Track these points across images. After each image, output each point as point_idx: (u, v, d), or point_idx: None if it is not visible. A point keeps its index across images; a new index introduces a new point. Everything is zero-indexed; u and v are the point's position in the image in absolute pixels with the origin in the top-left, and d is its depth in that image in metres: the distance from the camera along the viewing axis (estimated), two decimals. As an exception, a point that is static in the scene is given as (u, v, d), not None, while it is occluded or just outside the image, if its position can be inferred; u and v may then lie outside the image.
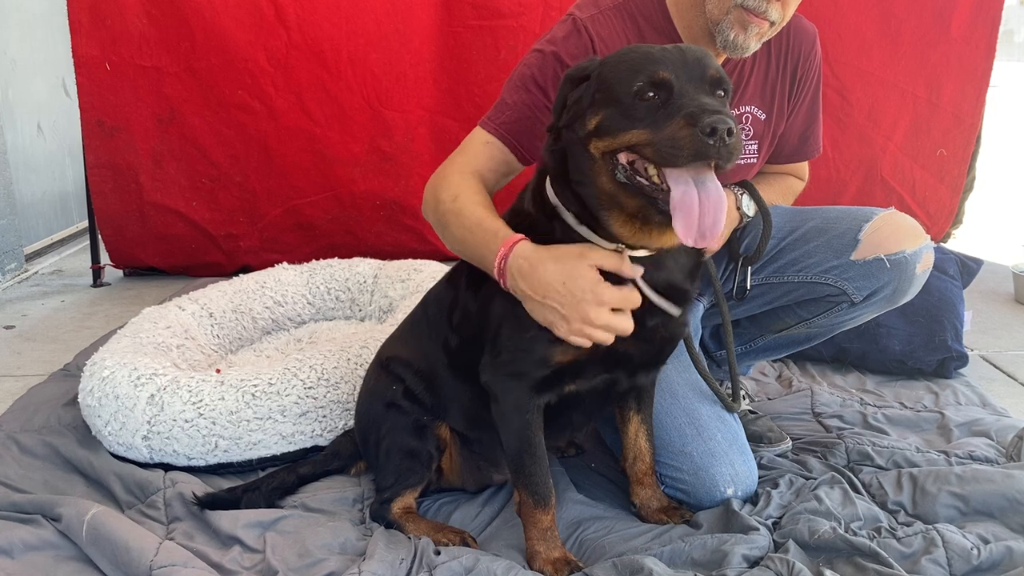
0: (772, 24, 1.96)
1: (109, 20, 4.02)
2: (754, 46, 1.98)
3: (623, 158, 1.59)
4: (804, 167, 2.44)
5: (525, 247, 1.72)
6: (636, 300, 1.69)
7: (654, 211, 1.60)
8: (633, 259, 1.69)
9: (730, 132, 1.44)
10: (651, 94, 1.54)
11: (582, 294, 1.65)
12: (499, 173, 2.02)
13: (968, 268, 3.16)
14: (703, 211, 1.52)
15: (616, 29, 2.05)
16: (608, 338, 1.69)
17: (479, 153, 2.01)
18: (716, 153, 1.46)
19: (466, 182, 1.94)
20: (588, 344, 1.69)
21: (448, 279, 2.06)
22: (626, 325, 1.69)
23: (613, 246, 1.68)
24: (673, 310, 1.77)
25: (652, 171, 1.57)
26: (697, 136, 1.45)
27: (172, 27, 4.07)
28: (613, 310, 1.67)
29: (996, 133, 5.39)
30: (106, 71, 4.07)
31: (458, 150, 2.05)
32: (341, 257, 3.63)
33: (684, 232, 1.52)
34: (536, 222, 1.78)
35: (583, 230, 1.71)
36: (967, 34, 4.54)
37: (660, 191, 1.56)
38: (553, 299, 1.67)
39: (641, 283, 1.71)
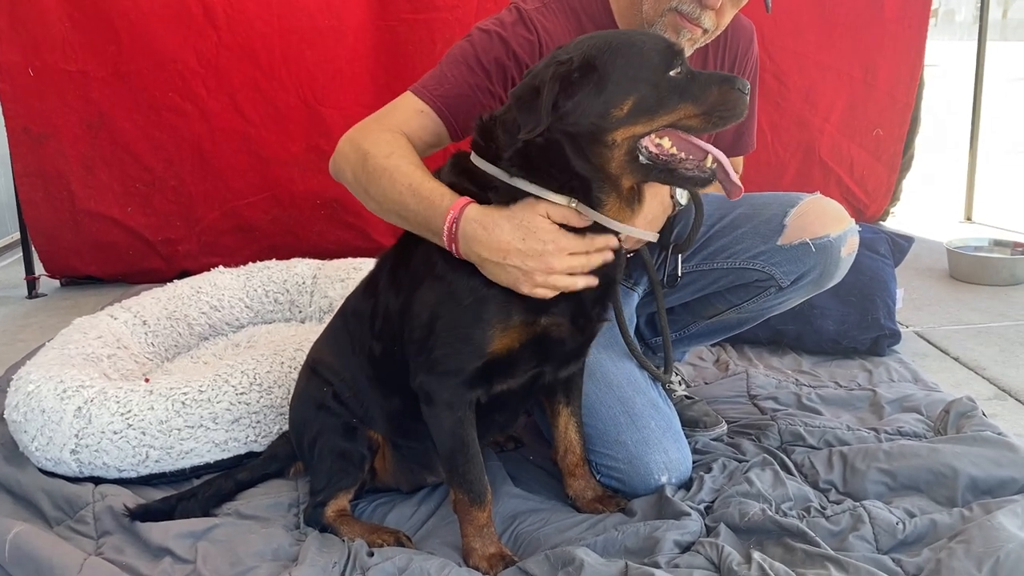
0: (705, 32, 1.97)
1: (30, 24, 3.92)
2: (687, 50, 1.98)
3: (646, 140, 1.63)
4: (739, 162, 2.45)
5: (474, 210, 1.69)
6: (598, 244, 1.71)
7: (674, 180, 1.68)
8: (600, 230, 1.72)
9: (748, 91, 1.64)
10: (679, 70, 1.64)
11: (542, 245, 1.65)
12: (426, 144, 1.98)
13: (899, 246, 3.21)
14: (732, 170, 1.69)
15: (560, 23, 2.05)
16: (573, 283, 1.70)
17: (411, 119, 1.95)
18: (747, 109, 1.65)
19: (399, 141, 1.89)
20: (551, 295, 1.69)
21: (365, 288, 2.03)
22: (588, 265, 1.71)
23: (562, 198, 1.68)
24: (651, 236, 1.89)
25: (668, 144, 1.65)
26: (741, 96, 1.63)
27: (97, 30, 3.98)
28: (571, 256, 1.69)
29: (936, 111, 5.48)
30: (29, 77, 3.96)
31: (385, 111, 1.99)
32: (281, 258, 3.59)
33: (731, 189, 1.70)
34: (467, 192, 1.74)
35: (531, 187, 1.68)
36: (900, 15, 4.63)
37: (681, 160, 1.66)
38: (513, 257, 1.65)
39: (611, 222, 1.71)
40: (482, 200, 1.72)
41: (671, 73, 1.63)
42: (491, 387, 1.80)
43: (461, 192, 1.74)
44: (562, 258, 1.67)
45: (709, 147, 1.68)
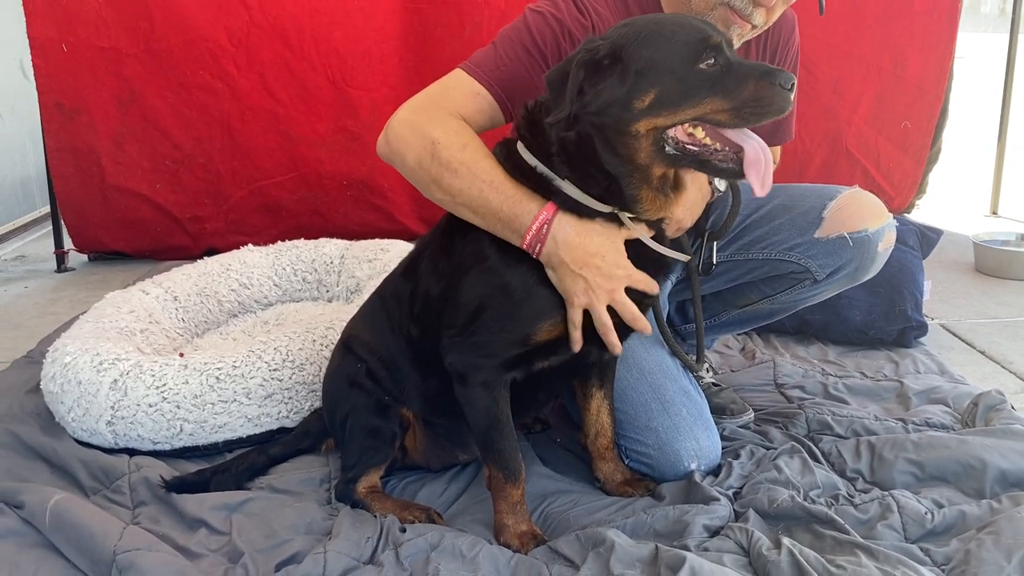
0: (754, 28, 1.95)
1: (64, 1, 3.95)
2: (735, 44, 1.97)
3: (672, 131, 1.62)
4: (776, 151, 2.44)
5: (570, 216, 1.72)
6: (655, 287, 1.78)
7: (707, 170, 1.67)
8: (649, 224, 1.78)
9: (794, 86, 1.57)
10: (712, 61, 1.59)
11: (619, 270, 1.71)
12: (480, 127, 1.93)
13: (928, 239, 3.20)
14: (767, 165, 1.62)
15: (610, 10, 2.03)
16: (623, 311, 1.76)
17: (468, 102, 1.91)
18: (790, 106, 1.58)
19: (468, 131, 1.84)
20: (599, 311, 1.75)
21: (404, 272, 2.04)
22: (635, 310, 1.77)
23: (631, 220, 1.73)
24: (682, 257, 1.87)
25: (701, 134, 1.62)
26: (781, 92, 1.56)
27: (130, 7, 4.02)
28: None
29: (962, 104, 5.44)
30: (63, 53, 4.01)
31: (439, 91, 1.92)
32: (308, 238, 3.60)
33: (760, 185, 1.62)
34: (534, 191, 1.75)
35: (588, 200, 1.71)
36: (930, 7, 4.58)
37: (714, 151, 1.63)
38: (590, 271, 1.69)
39: (655, 244, 1.79)
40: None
41: (701, 65, 1.59)
42: (529, 368, 1.82)
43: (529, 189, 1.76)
44: (622, 289, 1.73)
45: (748, 139, 1.63)
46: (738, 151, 1.62)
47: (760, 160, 1.61)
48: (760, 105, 1.57)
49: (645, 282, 1.76)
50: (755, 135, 1.64)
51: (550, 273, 1.75)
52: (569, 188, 1.72)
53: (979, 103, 7.03)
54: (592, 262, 1.69)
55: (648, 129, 1.61)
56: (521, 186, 1.75)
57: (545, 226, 1.70)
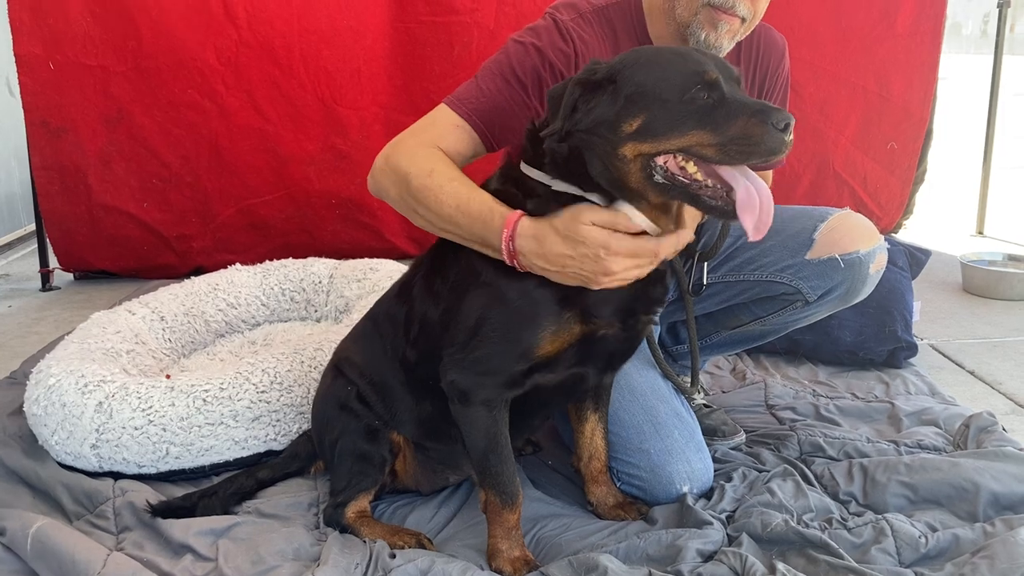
0: (743, 21, 1.94)
1: (51, 18, 3.94)
2: (727, 45, 1.97)
3: (661, 160, 1.58)
4: (768, 176, 2.44)
5: (526, 224, 1.68)
6: (649, 247, 1.66)
7: (698, 206, 1.61)
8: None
9: (791, 127, 1.50)
10: (704, 95, 1.54)
11: (595, 254, 1.62)
12: (464, 157, 1.96)
13: (917, 259, 3.21)
14: (763, 208, 1.55)
15: (595, 34, 2.04)
16: (640, 273, 1.69)
17: (448, 134, 1.94)
18: (786, 147, 1.50)
19: (435, 155, 1.87)
20: (625, 283, 1.68)
21: (398, 294, 2.01)
22: (645, 266, 1.69)
23: (604, 201, 1.66)
24: (686, 236, 1.77)
25: (693, 168, 1.57)
26: (773, 132, 1.48)
27: (117, 25, 4.00)
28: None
29: (946, 124, 5.48)
30: (50, 70, 3.98)
31: (421, 125, 1.97)
32: (296, 257, 3.59)
33: (754, 230, 1.55)
34: (511, 197, 1.74)
35: (571, 188, 1.68)
36: (913, 29, 4.63)
37: (704, 187, 1.57)
38: (571, 267, 1.65)
39: (653, 226, 1.68)
40: (520, 206, 1.71)
41: (692, 97, 1.54)
42: (531, 386, 1.79)
43: (505, 199, 1.73)
44: (618, 260, 1.63)
45: (742, 179, 1.56)
46: (729, 190, 1.57)
47: (753, 203, 1.55)
48: (748, 143, 1.50)
49: (633, 247, 1.64)
50: (754, 175, 1.57)
51: (549, 279, 1.70)
52: (558, 184, 1.68)
53: (964, 124, 7.09)
54: (565, 258, 1.64)
55: (634, 155, 1.58)
56: (486, 201, 1.73)
57: (510, 242, 1.68)
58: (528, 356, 1.73)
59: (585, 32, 2.02)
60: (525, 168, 1.74)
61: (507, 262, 1.70)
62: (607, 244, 1.62)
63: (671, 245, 1.70)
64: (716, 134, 1.53)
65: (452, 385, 1.79)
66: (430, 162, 1.85)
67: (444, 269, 1.86)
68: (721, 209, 1.58)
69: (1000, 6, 5.08)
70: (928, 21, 4.63)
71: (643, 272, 1.69)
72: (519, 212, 1.70)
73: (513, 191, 1.75)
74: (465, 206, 1.75)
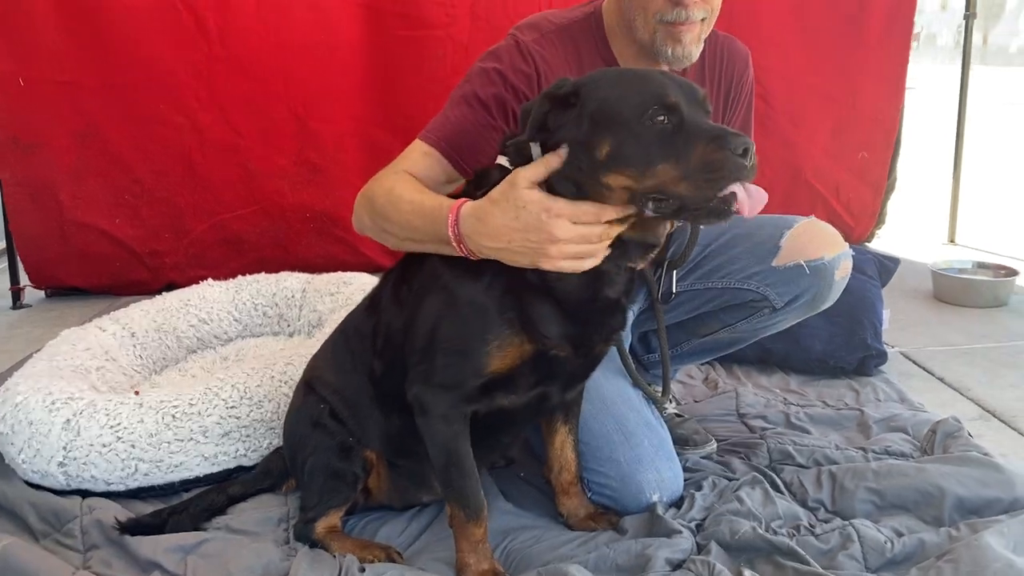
0: (703, 20, 1.96)
1: (21, 34, 3.91)
2: (696, 50, 1.99)
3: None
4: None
5: (468, 206, 1.67)
6: (590, 209, 1.58)
7: (698, 218, 1.59)
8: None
9: (750, 152, 1.46)
10: (662, 118, 1.51)
11: (536, 218, 1.57)
12: (437, 182, 1.97)
13: (886, 268, 3.25)
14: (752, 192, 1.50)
15: (558, 53, 2.06)
16: (590, 250, 1.61)
17: (418, 161, 1.98)
18: (749, 173, 1.46)
19: (400, 177, 1.91)
20: (584, 267, 1.62)
21: (367, 307, 2.02)
22: (596, 247, 1.62)
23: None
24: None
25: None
26: (731, 158, 1.45)
27: (88, 41, 3.97)
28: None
29: (917, 134, 5.55)
30: (20, 86, 3.95)
31: (395, 160, 2.02)
32: (270, 271, 3.58)
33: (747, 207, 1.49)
34: (470, 194, 1.75)
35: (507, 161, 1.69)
36: (881, 39, 4.69)
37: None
38: (516, 238, 1.60)
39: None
40: (476, 198, 1.71)
41: (651, 118, 1.51)
42: (491, 402, 1.79)
43: (466, 194, 1.76)
44: (561, 224, 1.57)
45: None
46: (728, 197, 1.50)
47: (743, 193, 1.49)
48: (711, 172, 1.46)
49: (569, 209, 1.57)
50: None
51: (502, 262, 1.67)
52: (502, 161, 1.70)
53: (936, 133, 7.18)
54: (509, 230, 1.60)
55: (618, 187, 1.55)
56: (440, 200, 1.76)
57: (455, 228, 1.68)
58: (479, 372, 1.72)
59: (547, 52, 2.04)
60: (499, 168, 1.76)
61: (458, 251, 1.70)
62: (548, 206, 1.57)
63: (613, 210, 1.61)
64: (679, 166, 1.49)
65: (414, 398, 1.79)
66: (391, 181, 1.89)
67: (411, 276, 1.87)
68: (720, 211, 1.51)
69: (966, 18, 5.16)
70: (896, 31, 4.70)
71: (594, 251, 1.61)
72: (464, 199, 1.71)
73: (472, 190, 1.78)
74: (419, 208, 1.78)
